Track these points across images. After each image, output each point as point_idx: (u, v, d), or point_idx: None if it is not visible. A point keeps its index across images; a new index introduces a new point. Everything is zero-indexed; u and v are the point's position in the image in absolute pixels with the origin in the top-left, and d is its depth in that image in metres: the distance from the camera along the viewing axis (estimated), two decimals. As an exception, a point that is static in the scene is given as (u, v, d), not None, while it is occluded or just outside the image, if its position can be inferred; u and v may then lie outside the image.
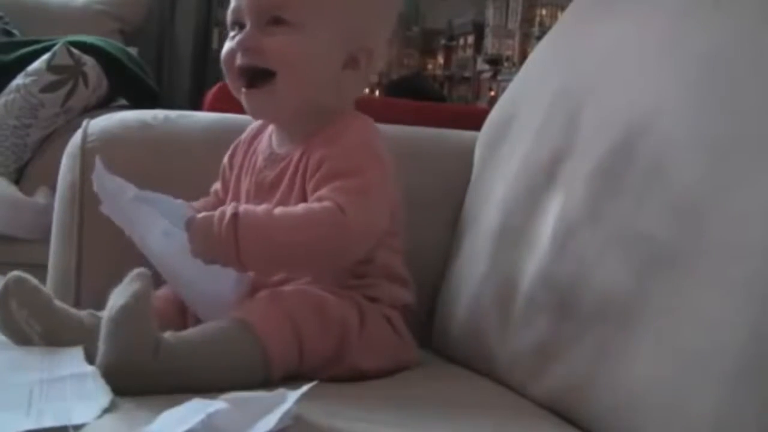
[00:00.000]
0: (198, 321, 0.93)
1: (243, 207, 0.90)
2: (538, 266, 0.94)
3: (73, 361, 0.83)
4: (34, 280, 0.89)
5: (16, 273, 0.88)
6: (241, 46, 0.96)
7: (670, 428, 0.71)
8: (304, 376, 0.86)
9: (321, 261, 0.92)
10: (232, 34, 0.99)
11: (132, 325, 0.79)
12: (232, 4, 0.99)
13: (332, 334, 0.90)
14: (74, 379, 0.78)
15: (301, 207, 0.91)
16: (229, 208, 0.88)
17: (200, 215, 0.89)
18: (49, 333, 0.87)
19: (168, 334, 0.83)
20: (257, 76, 0.97)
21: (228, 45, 0.98)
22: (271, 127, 1.04)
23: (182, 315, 0.97)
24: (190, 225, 0.88)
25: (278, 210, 0.90)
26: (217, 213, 0.88)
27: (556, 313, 0.90)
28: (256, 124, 1.06)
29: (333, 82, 0.98)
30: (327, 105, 0.99)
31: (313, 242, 0.89)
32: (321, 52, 0.96)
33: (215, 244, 0.87)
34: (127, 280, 0.81)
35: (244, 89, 0.97)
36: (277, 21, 0.95)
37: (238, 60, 0.96)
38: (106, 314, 0.81)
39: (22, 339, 0.87)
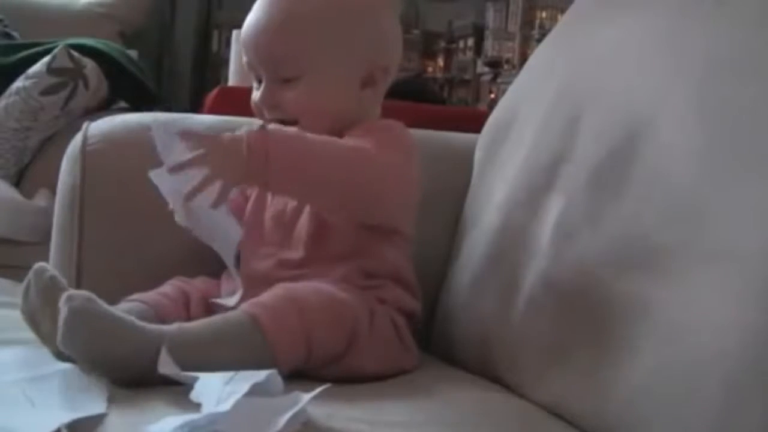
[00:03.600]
0: (204, 316, 0.94)
1: (270, 126, 0.92)
2: (538, 268, 0.94)
3: (50, 359, 0.85)
4: (52, 271, 0.91)
5: (38, 264, 0.92)
6: (262, 104, 1.02)
7: (672, 431, 0.71)
8: (309, 372, 0.87)
9: (348, 191, 0.94)
10: (255, 85, 1.04)
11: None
12: (244, 58, 1.04)
13: (342, 333, 0.90)
14: (60, 375, 0.80)
15: (329, 138, 0.95)
16: (255, 126, 0.91)
17: (224, 134, 0.91)
18: (56, 320, 0.89)
19: (175, 326, 0.84)
20: (284, 122, 1.02)
21: (253, 96, 1.04)
22: None
23: (186, 309, 0.98)
24: (201, 142, 0.88)
25: (308, 134, 0.94)
26: (243, 129, 0.90)
27: (557, 315, 0.90)
28: None
29: (354, 104, 1.03)
30: (353, 122, 1.03)
31: (342, 167, 0.93)
32: (334, 88, 1.02)
33: (240, 161, 0.88)
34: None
35: None
36: (287, 79, 1.01)
37: (265, 114, 1.03)
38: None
39: (34, 324, 0.92)
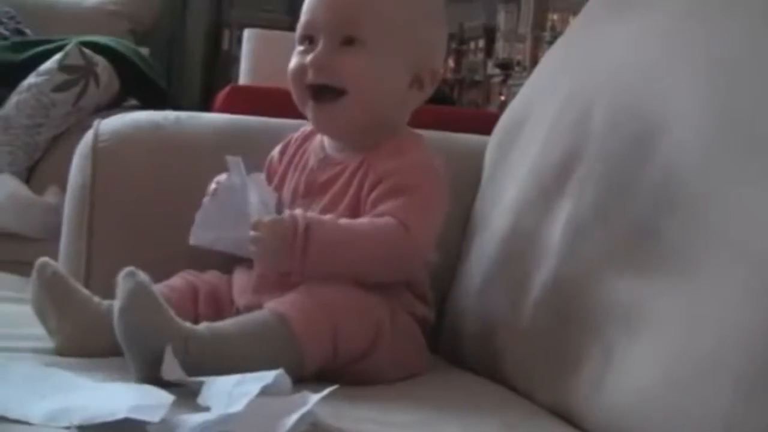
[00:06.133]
0: (212, 311, 0.94)
1: (312, 218, 0.92)
2: (548, 269, 0.94)
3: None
4: (55, 266, 0.93)
5: (41, 259, 0.93)
6: (315, 65, 0.98)
7: (679, 433, 0.71)
8: (334, 370, 0.87)
9: (380, 274, 0.94)
10: (300, 48, 1.01)
11: (148, 318, 0.81)
12: (304, 18, 1.01)
13: (367, 331, 0.90)
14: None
15: (365, 222, 0.93)
16: (300, 219, 0.90)
17: (268, 219, 0.92)
18: (62, 313, 0.91)
19: (203, 326, 0.84)
20: (325, 92, 0.99)
21: (298, 60, 1.00)
22: None
23: (194, 303, 0.98)
24: (256, 226, 0.91)
25: (344, 222, 0.93)
26: (287, 220, 0.91)
27: (566, 315, 0.90)
28: (308, 126, 1.08)
29: (399, 100, 1.02)
30: (388, 121, 1.02)
31: (376, 258, 0.93)
32: (391, 72, 1.00)
33: (282, 252, 0.90)
34: (119, 282, 0.83)
35: (311, 102, 0.99)
36: (350, 41, 0.98)
37: (310, 76, 0.98)
38: (114, 315, 0.82)
39: (42, 317, 0.93)
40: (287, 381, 0.76)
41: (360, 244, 0.92)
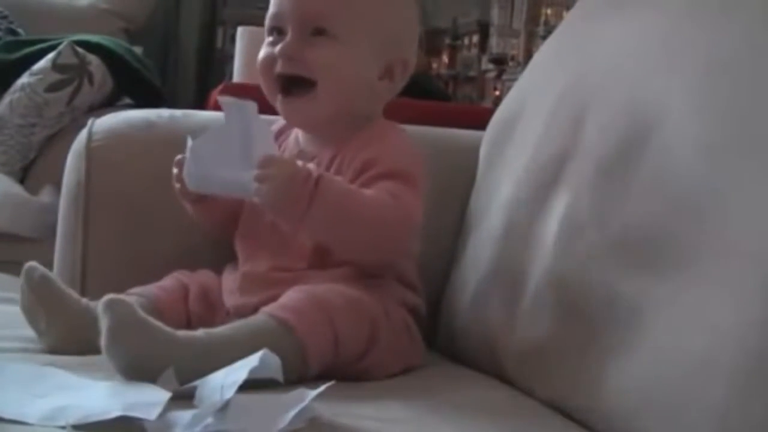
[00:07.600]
0: (204, 310, 0.94)
1: (323, 172, 0.91)
2: (543, 266, 0.94)
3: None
4: (42, 270, 0.93)
5: (29, 264, 0.94)
6: (284, 54, 0.97)
7: (676, 428, 0.71)
8: (335, 370, 0.87)
9: (371, 247, 0.93)
10: (269, 39, 1.00)
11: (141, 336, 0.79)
12: (273, 9, 1.00)
13: (364, 331, 0.90)
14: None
15: (369, 191, 0.93)
16: (313, 168, 0.90)
17: (283, 158, 0.91)
18: (51, 316, 0.92)
19: (202, 332, 0.83)
20: (294, 84, 0.98)
21: (266, 51, 0.99)
22: None
23: (185, 303, 0.98)
24: (268, 163, 0.88)
25: (351, 186, 0.93)
26: (301, 168, 0.89)
27: (562, 313, 0.90)
28: (283, 121, 1.07)
29: (369, 91, 1.01)
30: (361, 113, 1.01)
31: (373, 228, 0.92)
32: (360, 63, 0.99)
33: (289, 196, 0.88)
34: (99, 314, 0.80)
35: (280, 96, 0.99)
36: (319, 31, 0.97)
37: (279, 67, 0.98)
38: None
39: (33, 321, 0.94)
40: (275, 359, 0.75)
41: (361, 210, 0.91)
